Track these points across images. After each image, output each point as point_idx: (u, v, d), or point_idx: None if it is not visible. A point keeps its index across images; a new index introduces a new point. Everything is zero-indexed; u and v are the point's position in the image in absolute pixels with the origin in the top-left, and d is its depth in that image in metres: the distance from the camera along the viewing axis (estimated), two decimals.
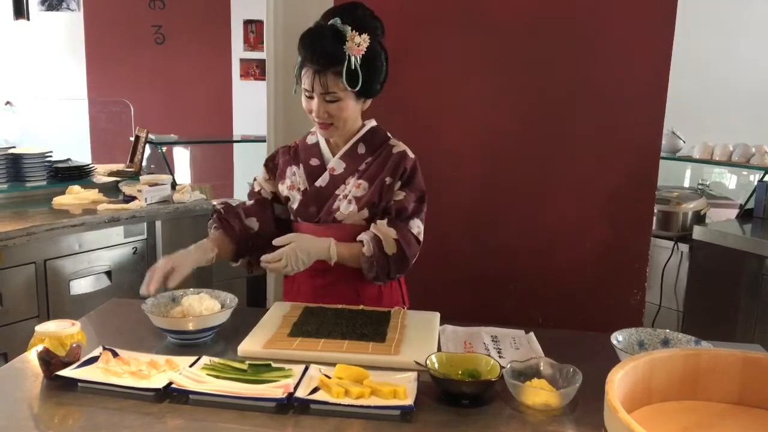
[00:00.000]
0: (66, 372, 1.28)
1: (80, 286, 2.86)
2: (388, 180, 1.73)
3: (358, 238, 1.70)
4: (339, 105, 1.66)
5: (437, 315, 1.67)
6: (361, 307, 1.71)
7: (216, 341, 1.54)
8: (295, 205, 1.78)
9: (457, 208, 2.26)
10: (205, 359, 1.37)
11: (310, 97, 1.67)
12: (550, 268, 2.23)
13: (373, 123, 1.80)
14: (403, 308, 1.70)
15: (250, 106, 5.00)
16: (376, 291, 1.79)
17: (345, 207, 1.73)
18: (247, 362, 1.35)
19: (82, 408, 1.22)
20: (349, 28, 1.61)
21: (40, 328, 1.40)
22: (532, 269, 2.23)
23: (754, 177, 3.76)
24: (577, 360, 1.32)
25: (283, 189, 1.81)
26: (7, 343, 2.54)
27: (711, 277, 3.27)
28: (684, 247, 3.35)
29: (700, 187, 3.89)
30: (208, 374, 1.31)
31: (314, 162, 1.79)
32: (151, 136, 3.76)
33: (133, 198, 3.18)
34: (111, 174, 3.63)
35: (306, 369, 1.33)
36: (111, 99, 5.02)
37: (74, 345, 1.35)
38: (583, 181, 2.19)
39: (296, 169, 1.80)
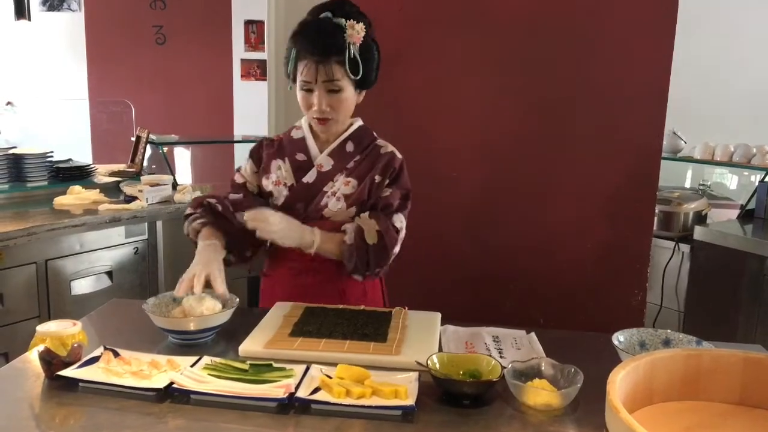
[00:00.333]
0: (67, 372, 1.29)
1: (81, 287, 2.86)
2: (377, 178, 1.75)
3: (342, 227, 1.72)
4: (339, 96, 1.67)
5: (438, 315, 1.67)
6: (362, 307, 1.71)
7: (217, 341, 1.54)
8: (280, 201, 1.77)
9: (457, 208, 2.26)
10: (207, 359, 1.37)
11: (310, 90, 1.66)
12: (551, 268, 2.22)
13: (360, 122, 1.81)
14: (404, 308, 1.70)
15: (251, 107, 5.00)
16: (360, 290, 1.80)
17: (333, 204, 1.74)
18: (249, 362, 1.35)
19: (84, 408, 1.22)
20: (343, 20, 1.63)
21: (41, 328, 1.40)
22: (532, 269, 2.23)
23: (755, 177, 3.76)
24: (578, 360, 1.32)
25: (268, 184, 1.79)
26: (8, 343, 2.54)
27: (712, 278, 3.27)
28: (685, 248, 3.35)
29: (701, 187, 3.89)
30: (209, 374, 1.31)
31: (301, 157, 1.78)
32: (152, 137, 3.77)
33: (134, 198, 3.18)
34: (112, 174, 3.63)
35: (307, 369, 1.33)
36: (112, 99, 5.02)
37: (75, 345, 1.35)
38: (584, 181, 2.19)
39: (282, 164, 1.78)
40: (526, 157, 2.21)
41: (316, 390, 1.25)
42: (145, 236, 3.09)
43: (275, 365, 1.35)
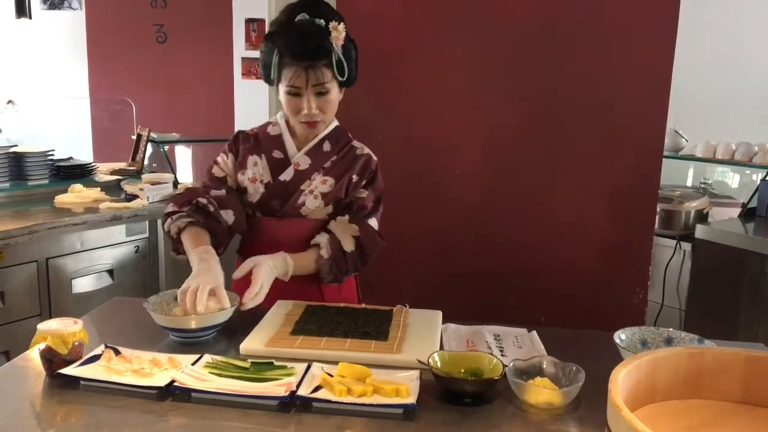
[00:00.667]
0: (68, 370, 1.28)
1: (82, 285, 2.86)
2: (355, 178, 1.77)
3: (312, 242, 1.71)
4: (327, 98, 1.67)
5: (439, 313, 1.67)
6: (363, 305, 1.71)
7: (218, 339, 1.54)
8: (255, 199, 1.76)
9: (459, 206, 2.26)
10: (208, 357, 1.37)
11: (298, 95, 1.65)
12: (553, 266, 2.22)
13: (336, 122, 1.81)
14: (405, 307, 1.70)
15: (252, 105, 5.00)
16: (336, 287, 1.80)
17: (311, 202, 1.74)
18: (250, 360, 1.35)
19: (85, 406, 1.22)
20: (323, 21, 1.61)
21: (42, 326, 1.40)
22: (534, 268, 2.23)
23: (757, 176, 3.76)
24: (579, 358, 1.31)
25: (243, 180, 1.77)
26: (10, 342, 2.54)
27: (713, 276, 3.27)
28: (686, 246, 3.34)
29: (702, 185, 3.89)
30: (210, 372, 1.30)
31: (277, 155, 1.77)
32: (153, 135, 3.77)
33: (135, 196, 3.18)
34: (113, 172, 3.63)
35: (308, 367, 1.33)
36: (113, 97, 5.02)
37: (76, 343, 1.35)
38: (586, 179, 2.19)
39: (258, 160, 1.78)
40: (528, 156, 2.21)
41: (317, 388, 1.25)
42: (146, 234, 3.09)
43: (276, 363, 1.35)
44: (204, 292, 1.47)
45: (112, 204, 3.04)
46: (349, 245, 1.70)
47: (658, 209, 3.09)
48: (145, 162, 3.72)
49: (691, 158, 3.96)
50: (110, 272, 2.98)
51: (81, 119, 5.22)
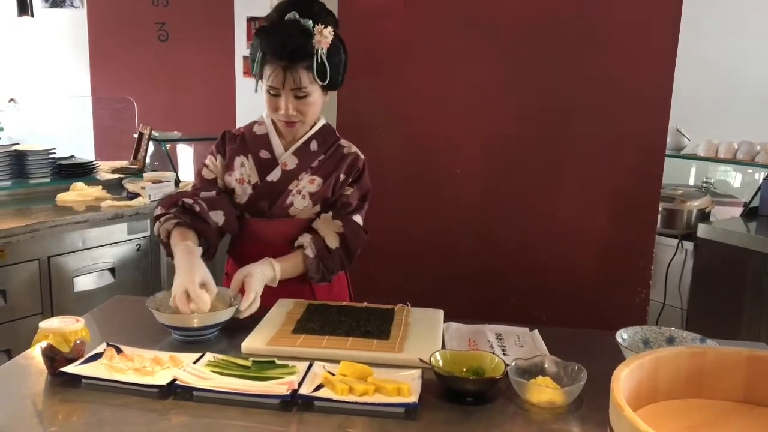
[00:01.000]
0: (70, 368, 1.29)
1: (84, 283, 2.87)
2: (342, 177, 1.77)
3: (296, 244, 1.71)
4: (307, 100, 1.65)
5: (441, 312, 1.66)
6: (365, 304, 1.71)
7: (219, 338, 1.54)
8: (243, 200, 1.75)
9: (460, 205, 2.26)
10: (209, 356, 1.37)
11: (276, 95, 1.65)
12: (554, 265, 2.22)
13: (323, 121, 1.80)
14: (407, 306, 1.70)
15: (253, 104, 4.99)
16: (327, 285, 1.80)
17: (299, 202, 1.73)
18: (251, 359, 1.35)
19: (86, 404, 1.22)
20: (311, 21, 1.60)
21: (44, 324, 1.40)
22: (535, 267, 2.23)
23: (759, 175, 3.76)
24: (581, 358, 1.31)
25: (231, 180, 1.77)
26: (12, 340, 2.55)
27: (715, 275, 3.27)
28: (688, 245, 3.34)
29: (704, 185, 3.89)
30: (212, 371, 1.31)
31: (265, 155, 1.76)
32: (155, 133, 3.77)
33: (136, 195, 3.19)
34: (114, 171, 3.63)
35: (310, 366, 1.33)
36: (114, 96, 5.03)
37: (78, 341, 1.35)
38: (588, 178, 2.18)
39: (245, 161, 1.77)
40: (530, 155, 2.20)
41: (318, 387, 1.25)
42: (148, 233, 3.09)
43: (278, 362, 1.35)
44: (197, 290, 1.47)
45: (114, 202, 3.04)
46: (333, 242, 1.70)
47: (660, 208, 3.10)
48: (147, 160, 3.73)
49: (693, 157, 3.95)
50: (112, 270, 2.98)
51: (83, 117, 5.23)
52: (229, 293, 1.61)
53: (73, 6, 5.44)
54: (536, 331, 1.59)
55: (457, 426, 1.18)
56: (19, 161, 3.22)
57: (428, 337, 1.52)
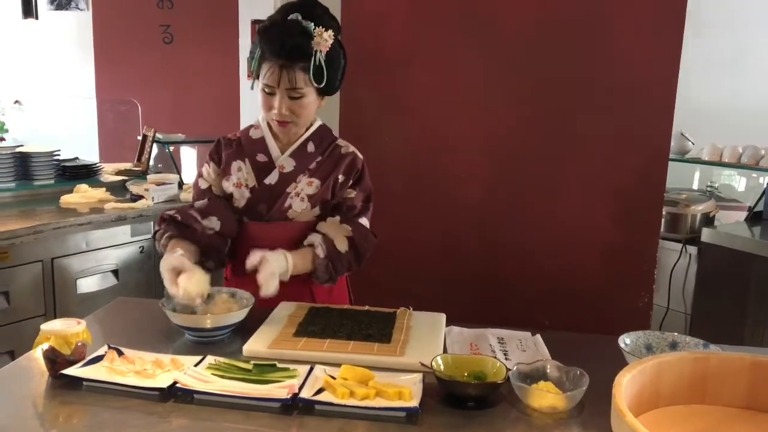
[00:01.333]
0: (71, 371, 1.29)
1: (87, 285, 2.87)
2: (341, 178, 1.76)
3: (306, 242, 1.70)
4: (301, 102, 1.65)
5: (443, 316, 1.66)
6: (366, 307, 1.70)
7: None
8: (242, 204, 1.75)
9: (463, 208, 2.25)
10: (210, 359, 1.37)
11: (271, 94, 1.65)
12: (557, 269, 2.21)
13: (320, 122, 1.80)
14: (409, 309, 1.69)
15: (257, 106, 5.00)
16: (327, 288, 1.79)
17: (298, 205, 1.73)
18: (252, 362, 1.35)
19: (87, 407, 1.22)
20: (312, 24, 1.60)
21: (45, 326, 1.41)
22: (538, 271, 2.22)
23: (764, 179, 3.74)
24: (583, 363, 1.31)
25: (228, 186, 1.76)
26: (14, 341, 2.55)
27: (719, 280, 3.25)
28: (692, 250, 3.33)
29: (708, 189, 3.87)
30: (212, 374, 1.30)
31: (261, 158, 1.76)
32: (159, 135, 3.78)
33: (140, 197, 3.19)
34: (118, 173, 3.64)
35: (311, 369, 1.33)
36: (119, 98, 5.04)
37: (79, 344, 1.35)
38: (591, 182, 2.18)
39: (242, 165, 1.76)
40: (534, 159, 2.20)
41: (319, 391, 1.25)
42: (151, 235, 3.10)
43: (279, 365, 1.35)
44: (175, 277, 1.50)
45: (117, 204, 3.05)
46: (342, 245, 1.69)
47: (663, 212, 3.09)
48: (151, 162, 3.73)
49: (698, 161, 3.94)
50: (115, 272, 2.99)
51: (87, 119, 5.24)
52: (245, 295, 1.61)
53: (79, 8, 5.45)
54: (538, 336, 1.58)
55: (459, 430, 1.17)
56: (23, 163, 3.23)
57: (430, 341, 1.51)
